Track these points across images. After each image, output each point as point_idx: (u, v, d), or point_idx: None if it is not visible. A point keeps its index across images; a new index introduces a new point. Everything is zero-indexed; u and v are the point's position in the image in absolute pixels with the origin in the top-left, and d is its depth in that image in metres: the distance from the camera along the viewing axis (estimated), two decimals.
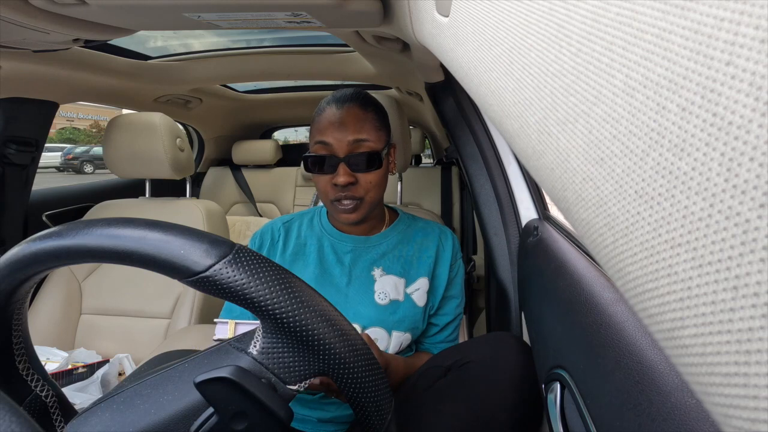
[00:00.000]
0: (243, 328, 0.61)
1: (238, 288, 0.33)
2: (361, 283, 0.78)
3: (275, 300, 0.34)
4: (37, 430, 0.22)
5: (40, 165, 1.38)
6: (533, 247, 0.74)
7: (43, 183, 1.52)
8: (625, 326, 0.37)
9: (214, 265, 0.33)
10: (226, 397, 0.34)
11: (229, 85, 1.99)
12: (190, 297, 1.27)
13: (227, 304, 0.84)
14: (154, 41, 1.41)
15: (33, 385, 0.41)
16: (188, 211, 1.35)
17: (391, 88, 1.73)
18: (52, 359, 1.12)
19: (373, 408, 0.39)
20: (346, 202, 0.73)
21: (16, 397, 0.40)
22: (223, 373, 0.33)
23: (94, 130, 25.75)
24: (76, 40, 0.86)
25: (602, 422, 0.35)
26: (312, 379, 0.55)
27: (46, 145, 1.36)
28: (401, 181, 1.59)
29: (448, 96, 1.01)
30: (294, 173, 2.40)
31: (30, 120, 1.26)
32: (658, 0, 0.12)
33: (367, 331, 0.76)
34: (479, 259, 1.55)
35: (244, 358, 0.36)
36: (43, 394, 0.42)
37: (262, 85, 2.19)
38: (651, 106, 0.12)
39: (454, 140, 1.03)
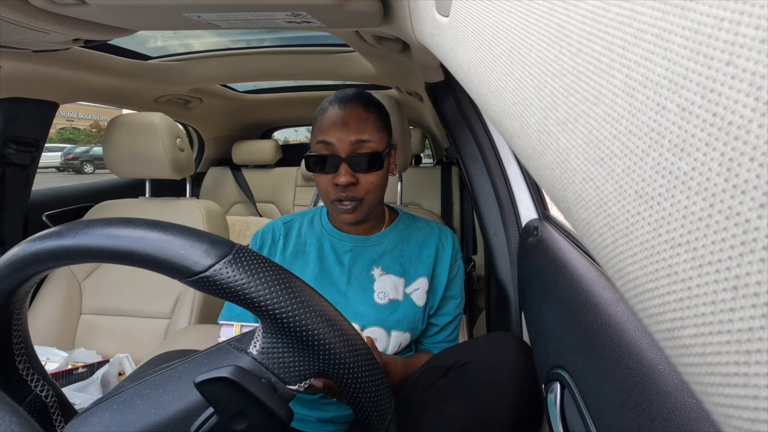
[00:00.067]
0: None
1: (238, 288, 0.33)
2: (361, 283, 0.78)
3: (275, 300, 0.34)
4: (37, 430, 0.22)
5: (40, 165, 1.38)
6: (533, 247, 0.74)
7: (43, 183, 1.52)
8: (625, 326, 0.37)
9: (214, 265, 0.33)
10: (226, 397, 0.34)
11: (229, 85, 1.99)
12: (190, 297, 1.27)
13: (227, 303, 0.84)
14: (154, 41, 1.41)
15: (33, 385, 0.41)
16: (188, 211, 1.35)
17: (391, 88, 1.73)
18: (52, 359, 1.12)
19: (373, 408, 0.39)
20: (346, 202, 0.73)
21: (16, 397, 0.40)
22: (223, 373, 0.33)
23: (94, 130, 25.76)
24: (76, 40, 0.86)
25: (602, 422, 0.35)
26: (315, 382, 0.55)
27: (46, 145, 1.36)
28: (401, 181, 1.59)
29: (448, 96, 1.01)
30: (294, 173, 2.40)
31: (30, 120, 1.26)
32: (658, 0, 0.12)
33: (365, 331, 0.76)
34: (479, 259, 1.55)
35: (244, 358, 0.36)
36: (43, 394, 0.42)
37: (262, 85, 2.19)
38: (651, 106, 0.12)
39: (454, 140, 1.03)
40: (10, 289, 0.36)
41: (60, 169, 15.90)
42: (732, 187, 0.10)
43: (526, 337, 0.79)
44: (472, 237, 1.86)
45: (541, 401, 0.53)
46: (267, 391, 0.35)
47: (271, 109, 2.36)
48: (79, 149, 16.28)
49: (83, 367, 1.12)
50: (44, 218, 1.44)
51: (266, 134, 2.79)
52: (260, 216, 2.35)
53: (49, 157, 15.23)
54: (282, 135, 8.73)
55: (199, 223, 1.32)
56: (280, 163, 2.47)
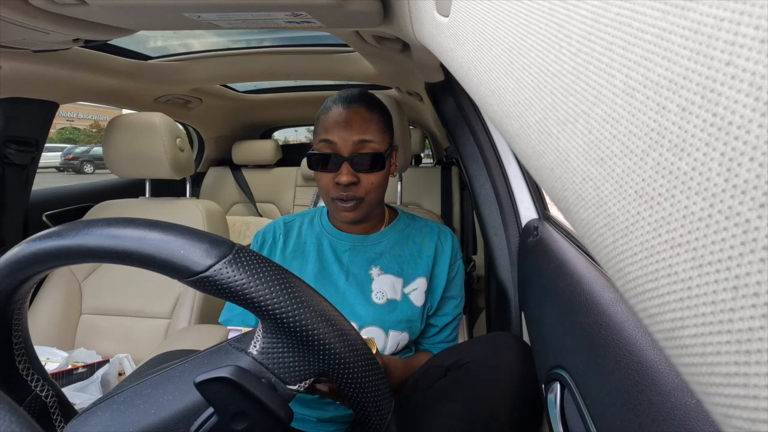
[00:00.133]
0: None
1: (238, 288, 0.33)
2: (359, 282, 0.78)
3: (275, 300, 0.34)
4: (37, 430, 0.22)
5: (40, 165, 1.38)
6: (533, 247, 0.74)
7: (43, 183, 1.52)
8: (625, 326, 0.37)
9: (214, 265, 0.33)
10: (226, 397, 0.34)
11: (229, 85, 1.99)
12: (190, 297, 1.27)
13: (228, 303, 0.84)
14: (154, 41, 1.41)
15: (33, 385, 0.41)
16: (188, 211, 1.35)
17: (391, 88, 1.73)
18: (52, 359, 1.12)
19: (373, 408, 0.39)
20: (346, 201, 0.74)
21: (16, 397, 0.40)
22: (223, 373, 0.33)
23: (94, 130, 25.75)
24: (76, 40, 0.86)
25: (602, 422, 0.35)
26: (321, 387, 0.55)
27: (46, 145, 1.36)
28: (401, 181, 1.59)
29: (448, 96, 1.01)
30: (294, 173, 2.39)
31: (30, 120, 1.26)
32: (658, 0, 0.12)
33: (363, 331, 0.76)
34: (479, 259, 1.55)
35: (244, 358, 0.36)
36: (43, 394, 0.42)
37: (262, 85, 2.19)
38: (651, 106, 0.12)
39: (454, 140, 1.03)
40: (10, 289, 0.36)
41: (60, 169, 15.90)
42: (732, 187, 0.10)
43: (526, 337, 0.79)
44: (472, 237, 1.86)
45: (541, 401, 0.53)
46: (267, 391, 0.35)
47: (271, 109, 2.36)
48: (79, 149, 16.28)
49: (83, 367, 1.12)
50: (44, 218, 1.44)
51: (266, 134, 2.79)
52: (260, 216, 2.35)
53: (49, 157, 15.23)
54: (282, 135, 8.73)
55: (199, 223, 1.32)
56: (280, 163, 2.47)
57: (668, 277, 0.12)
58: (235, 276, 0.33)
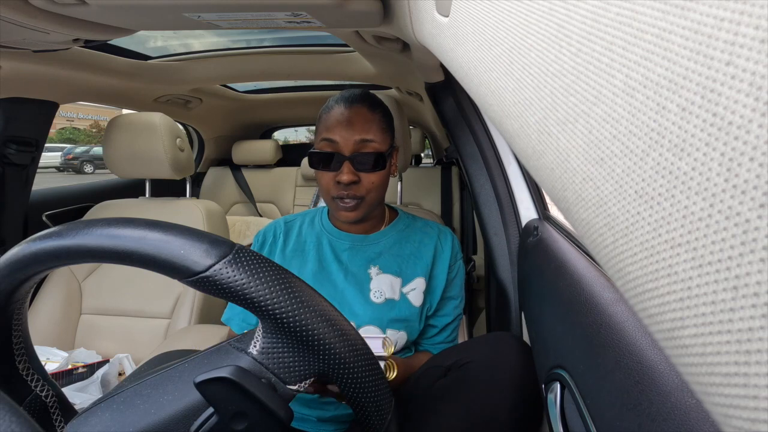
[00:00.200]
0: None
1: (238, 288, 0.33)
2: (357, 281, 0.78)
3: (275, 300, 0.34)
4: (37, 430, 0.22)
5: (40, 165, 1.38)
6: (533, 247, 0.74)
7: (43, 183, 1.52)
8: (625, 326, 0.37)
9: (214, 265, 0.33)
10: (226, 397, 0.34)
11: (229, 85, 1.98)
12: (190, 297, 1.27)
13: (230, 304, 0.84)
14: (154, 41, 1.41)
15: (33, 385, 0.41)
16: (188, 211, 1.35)
17: (391, 88, 1.73)
18: (52, 359, 1.12)
19: (373, 408, 0.39)
20: (347, 200, 0.74)
21: (16, 397, 0.40)
22: (223, 373, 0.33)
23: (94, 130, 25.75)
24: (76, 40, 0.86)
25: (602, 422, 0.35)
26: (332, 387, 0.54)
27: (46, 145, 1.36)
28: (401, 181, 1.59)
29: (448, 96, 1.01)
30: (294, 173, 2.39)
31: (30, 120, 1.26)
32: (658, 0, 0.12)
33: (361, 330, 0.76)
34: (479, 259, 1.55)
35: (244, 358, 0.36)
36: (43, 394, 0.42)
37: (262, 85, 2.19)
38: (651, 106, 0.12)
39: (454, 140, 1.03)
40: (10, 289, 0.36)
41: (60, 169, 15.90)
42: (732, 187, 0.10)
43: (526, 337, 0.79)
44: (472, 237, 1.86)
45: (541, 401, 0.53)
46: (267, 391, 0.35)
47: (271, 109, 2.36)
48: (79, 149, 16.28)
49: (83, 367, 1.12)
50: (44, 218, 1.44)
51: (266, 134, 2.79)
52: (260, 216, 2.35)
53: (49, 157, 15.23)
54: (282, 135, 8.73)
55: (199, 223, 1.32)
56: (280, 163, 2.47)
57: (668, 277, 0.12)
58: (235, 276, 0.33)
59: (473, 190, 0.99)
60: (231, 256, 0.34)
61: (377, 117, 0.76)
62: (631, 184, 0.13)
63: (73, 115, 26.46)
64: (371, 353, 0.38)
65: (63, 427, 0.43)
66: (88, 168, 15.34)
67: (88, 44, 0.95)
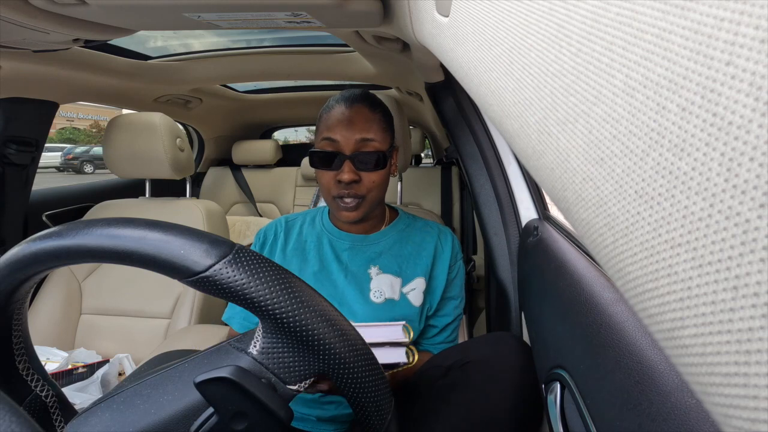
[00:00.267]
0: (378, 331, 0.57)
1: (238, 288, 0.33)
2: (357, 281, 0.78)
3: (275, 300, 0.34)
4: (37, 430, 0.22)
5: (40, 165, 1.37)
6: (533, 247, 0.74)
7: (43, 183, 1.52)
8: (625, 326, 0.37)
9: (214, 265, 0.33)
10: (226, 397, 0.34)
11: (229, 85, 1.98)
12: (190, 297, 1.27)
13: (230, 303, 0.84)
14: (154, 41, 1.41)
15: (33, 385, 0.41)
16: (188, 211, 1.35)
17: (391, 88, 1.73)
18: (52, 359, 1.12)
19: (373, 408, 0.39)
20: (347, 199, 0.74)
21: (16, 397, 0.40)
22: (223, 373, 0.33)
23: (94, 130, 25.75)
24: (76, 40, 0.86)
25: (602, 422, 0.35)
26: (320, 385, 0.55)
27: (46, 145, 1.36)
28: (401, 181, 1.59)
29: (448, 96, 1.01)
30: (294, 173, 2.39)
31: (30, 120, 1.26)
32: (658, 0, 0.12)
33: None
34: (479, 259, 1.55)
35: (244, 358, 0.36)
36: (43, 394, 0.42)
37: (262, 85, 2.19)
38: (651, 106, 0.12)
39: (454, 140, 1.03)
40: (10, 289, 0.36)
41: (60, 169, 15.90)
42: (732, 187, 0.10)
43: (526, 337, 0.79)
44: (472, 237, 1.86)
45: (541, 401, 0.53)
46: (267, 391, 0.35)
47: (271, 109, 2.36)
48: (79, 149, 16.27)
49: (83, 367, 1.12)
50: (44, 218, 1.44)
51: (266, 134, 2.78)
52: (260, 216, 2.35)
53: (49, 157, 15.23)
54: (282, 135, 8.73)
55: (199, 223, 1.32)
56: (280, 163, 2.47)
57: (668, 277, 0.12)
58: (235, 276, 0.33)
59: (473, 190, 0.99)
60: (231, 256, 0.34)
61: (378, 116, 0.76)
62: (631, 184, 0.13)
63: (73, 115, 26.46)
64: (371, 353, 0.38)
65: (63, 427, 0.43)
66: (88, 168, 15.34)
67: (88, 44, 0.95)
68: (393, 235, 0.84)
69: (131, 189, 1.82)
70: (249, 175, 2.41)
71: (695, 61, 0.10)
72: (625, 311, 0.38)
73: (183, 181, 1.57)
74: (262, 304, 0.34)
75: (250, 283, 0.33)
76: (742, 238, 0.10)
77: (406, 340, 0.58)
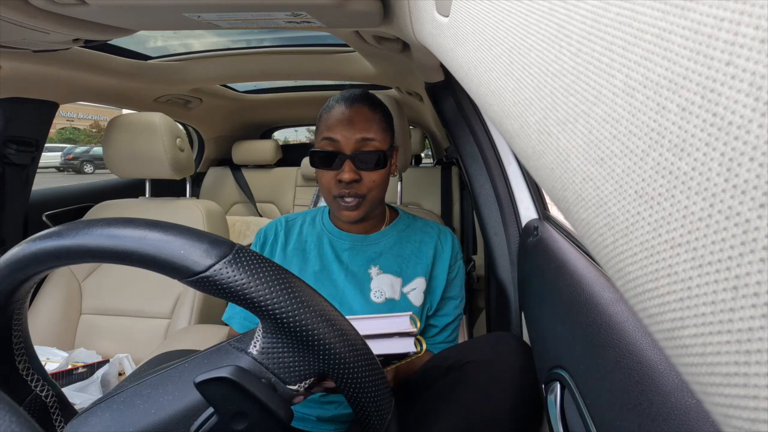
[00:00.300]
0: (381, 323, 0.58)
1: (238, 288, 0.33)
2: (357, 281, 0.78)
3: (275, 300, 0.34)
4: (37, 430, 0.22)
5: (40, 165, 1.37)
6: (533, 247, 0.74)
7: (43, 183, 1.52)
8: (625, 326, 0.37)
9: (214, 265, 0.33)
10: (226, 397, 0.34)
11: (229, 85, 1.98)
12: (190, 297, 1.27)
13: (230, 303, 0.84)
14: (154, 41, 1.41)
15: (33, 385, 0.41)
16: (188, 211, 1.35)
17: (391, 88, 1.73)
18: (52, 359, 1.12)
19: (373, 408, 0.39)
20: (348, 199, 0.74)
21: (16, 397, 0.40)
22: (223, 373, 0.33)
23: (94, 130, 25.75)
24: (76, 40, 0.86)
25: (602, 422, 0.35)
26: (316, 389, 0.55)
27: (46, 145, 1.36)
28: (401, 181, 1.59)
29: (448, 96, 1.01)
30: (294, 173, 2.39)
31: (30, 120, 1.26)
32: (658, 0, 0.12)
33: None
34: (479, 259, 1.55)
35: (244, 358, 0.36)
36: (43, 394, 0.42)
37: (262, 85, 2.19)
38: (651, 106, 0.12)
39: (454, 140, 1.03)
40: (10, 289, 0.36)
41: (60, 169, 15.90)
42: (732, 187, 0.10)
43: (526, 337, 0.79)
44: (472, 237, 1.86)
45: (541, 401, 0.53)
46: (267, 391, 0.35)
47: (271, 109, 2.36)
48: (79, 149, 16.27)
49: (83, 367, 1.12)
50: (44, 218, 1.44)
51: (266, 134, 2.78)
52: (260, 216, 2.35)
53: (49, 157, 15.23)
54: (282, 135, 8.73)
55: (199, 223, 1.32)
56: (280, 163, 2.47)
57: (668, 277, 0.12)
58: (235, 276, 0.33)
59: (473, 190, 0.99)
60: (231, 256, 0.34)
61: (378, 116, 0.76)
62: (631, 184, 0.13)
63: (73, 115, 26.46)
64: (371, 353, 0.38)
65: (63, 427, 0.43)
66: (88, 168, 15.33)
67: (88, 44, 0.95)
68: (393, 235, 0.84)
69: (131, 189, 1.82)
70: (249, 175, 2.41)
71: (695, 61, 0.10)
72: (625, 311, 0.38)
73: (183, 181, 1.57)
74: (262, 304, 0.34)
75: (250, 283, 0.33)
76: (742, 238, 0.10)
77: (414, 329, 0.58)
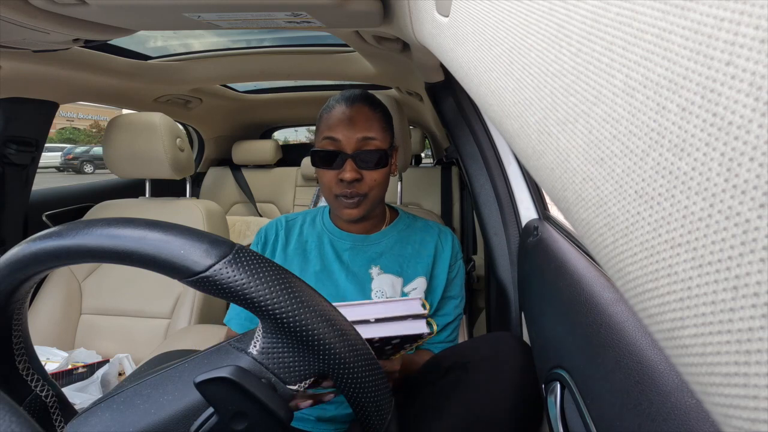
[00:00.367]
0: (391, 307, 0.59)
1: (238, 288, 0.33)
2: (358, 281, 0.79)
3: (275, 300, 0.34)
4: (37, 430, 0.22)
5: (40, 165, 1.38)
6: (533, 247, 0.74)
7: (43, 183, 1.52)
8: (625, 326, 0.37)
9: (214, 265, 0.33)
10: (226, 397, 0.34)
11: (229, 85, 1.98)
12: (190, 297, 1.27)
13: (232, 305, 0.84)
14: (154, 41, 1.41)
15: (33, 385, 0.41)
16: (188, 211, 1.35)
17: (391, 88, 1.73)
18: (52, 359, 1.12)
19: (373, 408, 0.39)
20: (349, 198, 0.74)
21: (16, 397, 0.40)
22: (223, 373, 0.33)
23: (94, 130, 25.75)
24: (76, 40, 0.86)
25: (602, 422, 0.35)
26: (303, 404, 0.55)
27: (46, 145, 1.36)
28: (401, 181, 1.59)
29: (448, 96, 1.01)
30: (294, 173, 2.39)
31: (30, 120, 1.26)
32: (658, 0, 0.12)
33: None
34: (479, 259, 1.55)
35: (244, 358, 0.36)
36: (43, 394, 0.42)
37: (262, 85, 2.19)
38: (651, 106, 0.12)
39: (454, 140, 1.03)
40: (10, 289, 0.36)
41: (60, 169, 15.90)
42: (732, 187, 0.10)
43: (526, 337, 0.79)
44: (472, 237, 1.86)
45: (541, 401, 0.53)
46: (267, 391, 0.35)
47: (271, 109, 2.36)
48: (79, 149, 16.27)
49: (83, 367, 1.12)
50: (44, 218, 1.44)
51: (266, 134, 2.79)
52: (260, 216, 2.35)
53: (49, 157, 15.23)
54: (282, 135, 8.73)
55: (199, 223, 1.32)
56: (280, 163, 2.47)
57: (668, 277, 0.12)
58: (235, 276, 0.33)
59: (473, 190, 0.99)
60: (231, 256, 0.34)
61: (378, 116, 0.76)
62: (631, 184, 0.13)
63: (73, 115, 26.46)
64: (371, 353, 0.38)
65: (63, 427, 0.43)
66: (88, 168, 15.33)
67: (88, 44, 0.95)
68: (393, 235, 0.84)
69: (131, 189, 1.82)
70: (249, 175, 2.41)
71: (695, 61, 0.10)
72: (625, 311, 0.38)
73: (183, 181, 1.57)
74: (262, 304, 0.34)
75: (250, 283, 0.33)
76: (742, 238, 0.10)
77: (425, 311, 0.59)
